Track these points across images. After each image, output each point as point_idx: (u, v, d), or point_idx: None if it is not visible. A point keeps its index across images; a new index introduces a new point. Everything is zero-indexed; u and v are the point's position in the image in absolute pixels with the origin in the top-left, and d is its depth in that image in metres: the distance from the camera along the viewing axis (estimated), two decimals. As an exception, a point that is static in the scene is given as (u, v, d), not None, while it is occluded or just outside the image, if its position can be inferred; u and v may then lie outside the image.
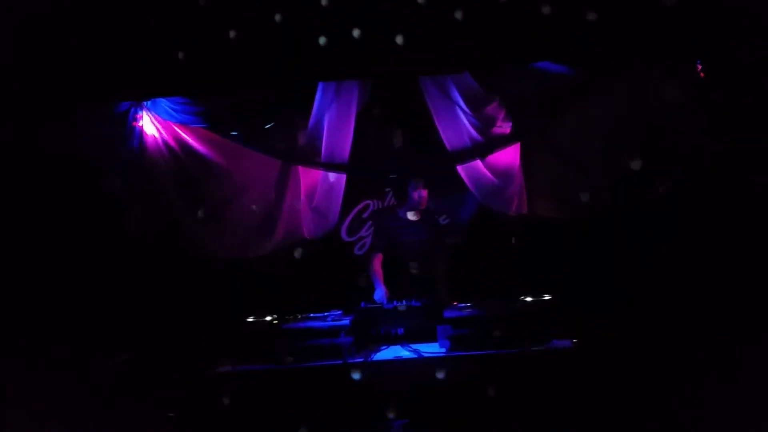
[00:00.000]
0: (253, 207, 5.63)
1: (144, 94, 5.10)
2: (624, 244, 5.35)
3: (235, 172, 5.64)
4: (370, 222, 6.23)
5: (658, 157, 5.21)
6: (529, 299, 4.76)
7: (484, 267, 5.67)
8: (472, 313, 4.59)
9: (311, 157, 5.42)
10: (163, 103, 5.26)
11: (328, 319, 4.64)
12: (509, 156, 5.66)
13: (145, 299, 5.09)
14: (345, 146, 5.36)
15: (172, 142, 5.55)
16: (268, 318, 4.71)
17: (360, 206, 6.37)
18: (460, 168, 5.50)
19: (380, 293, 5.07)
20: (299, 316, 4.81)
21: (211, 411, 4.17)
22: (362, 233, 6.38)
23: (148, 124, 5.49)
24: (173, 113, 5.29)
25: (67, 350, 4.31)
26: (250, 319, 4.73)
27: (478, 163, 5.46)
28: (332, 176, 5.46)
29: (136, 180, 5.45)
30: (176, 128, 5.52)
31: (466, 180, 5.55)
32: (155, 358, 4.54)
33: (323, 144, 5.31)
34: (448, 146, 5.40)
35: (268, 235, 5.74)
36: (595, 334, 4.51)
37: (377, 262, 5.33)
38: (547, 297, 4.76)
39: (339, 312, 4.77)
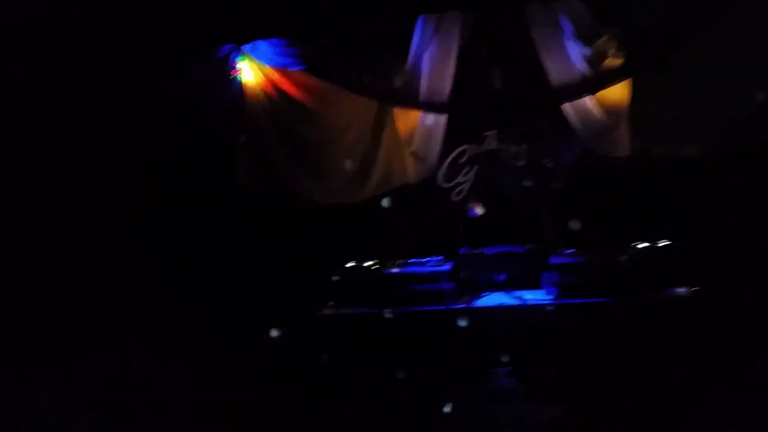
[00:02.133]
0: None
1: (245, 37, 5.06)
2: (745, 188, 4.90)
3: (331, 117, 5.55)
4: (469, 167, 6.04)
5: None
6: (642, 245, 4.47)
7: (591, 212, 5.38)
8: (579, 260, 4.38)
9: (410, 99, 5.24)
10: (263, 46, 5.20)
11: (428, 264, 4.55)
12: (620, 93, 5.27)
13: (250, 244, 5.16)
14: (445, 86, 5.11)
15: (269, 88, 5.52)
16: (368, 263, 4.68)
17: (458, 151, 6.18)
18: (566, 106, 5.16)
19: (482, 237, 4.90)
20: (399, 262, 4.76)
21: (313, 352, 4.21)
22: (460, 179, 6.19)
23: (247, 71, 5.48)
24: (272, 56, 5.23)
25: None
26: (350, 264, 4.72)
27: (587, 100, 5.09)
28: (431, 118, 5.28)
29: (238, 126, 5.48)
30: (274, 74, 5.48)
31: (572, 119, 5.19)
32: (257, 302, 4.62)
33: (422, 84, 5.11)
34: (554, 82, 5.03)
35: (365, 181, 5.66)
36: (716, 283, 4.19)
37: (477, 208, 5.16)
38: (662, 243, 4.45)
39: (440, 258, 4.67)
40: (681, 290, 4.16)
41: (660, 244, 4.44)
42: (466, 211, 5.05)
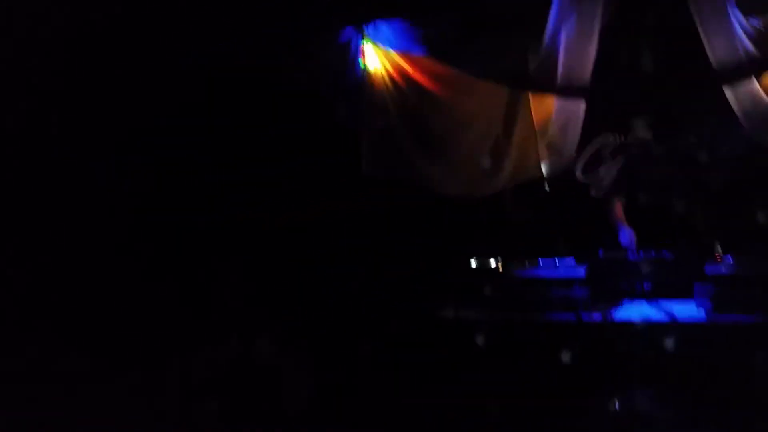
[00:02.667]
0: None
1: (365, 18, 4.82)
2: None
3: (459, 105, 5.19)
4: (612, 158, 5.45)
5: None
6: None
7: (755, 214, 4.64)
8: (740, 269, 3.74)
9: (546, 83, 4.75)
10: (384, 28, 4.95)
11: (560, 267, 4.11)
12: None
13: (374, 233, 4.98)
14: (586, 67, 4.50)
15: (395, 75, 5.25)
16: (492, 261, 4.32)
17: (600, 141, 5.63)
18: (728, 90, 4.43)
19: (626, 236, 4.38)
20: (526, 262, 4.35)
21: (427, 355, 3.93)
22: (601, 173, 5.64)
23: (371, 56, 5.28)
24: (395, 39, 4.95)
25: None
26: (473, 261, 4.38)
27: (753, 83, 4.34)
28: (570, 104, 4.77)
29: (363, 114, 5.30)
30: (400, 60, 5.22)
31: (734, 105, 4.45)
32: (375, 295, 4.40)
33: (560, 66, 4.57)
34: (714, 62, 4.31)
35: (496, 173, 5.27)
36: None
37: (619, 207, 4.62)
38: None
39: (571, 259, 4.20)
40: None
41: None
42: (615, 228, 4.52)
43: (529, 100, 5.07)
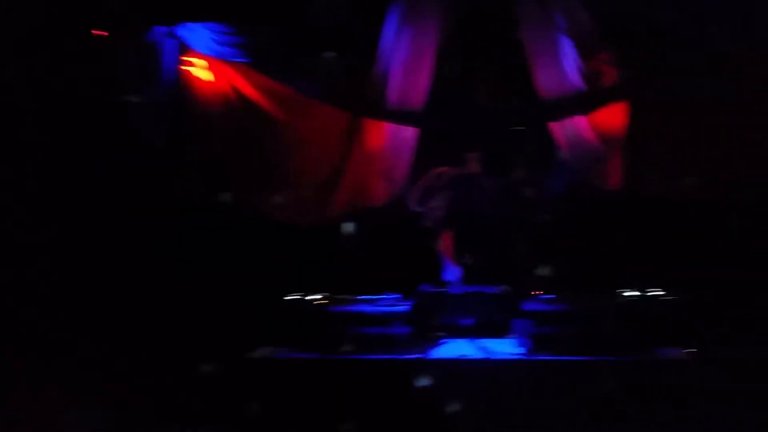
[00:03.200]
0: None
1: (175, 18, 4.38)
2: (756, 232, 4.29)
3: (292, 124, 4.89)
4: (444, 190, 5.41)
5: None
6: (630, 294, 3.83)
7: (575, 252, 4.74)
8: (558, 307, 3.74)
9: (375, 107, 4.57)
10: (199, 30, 4.52)
11: (382, 303, 3.90)
12: (616, 119, 4.65)
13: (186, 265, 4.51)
14: (419, 93, 4.37)
15: (221, 85, 4.88)
16: (316, 297, 4.03)
17: (434, 173, 5.58)
18: (556, 126, 4.51)
19: (452, 273, 4.29)
20: (350, 298, 4.11)
21: (243, 402, 3.55)
22: (433, 203, 5.57)
23: (197, 66, 4.84)
24: (212, 44, 4.53)
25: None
26: (295, 297, 4.06)
27: (582, 120, 4.43)
28: (402, 131, 4.62)
29: (179, 127, 4.83)
30: (227, 70, 4.82)
31: (561, 142, 4.52)
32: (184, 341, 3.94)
33: (390, 90, 4.40)
34: (545, 95, 4.34)
35: (328, 200, 5.01)
36: (716, 343, 3.57)
37: (447, 239, 4.53)
38: (654, 292, 3.81)
39: (397, 296, 4.01)
40: (674, 351, 3.52)
41: (651, 294, 3.78)
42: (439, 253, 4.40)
43: (366, 125, 4.88)
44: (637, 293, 3.79)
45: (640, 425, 3.26)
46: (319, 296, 4.04)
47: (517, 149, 4.70)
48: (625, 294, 3.80)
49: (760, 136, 4.18)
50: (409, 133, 4.58)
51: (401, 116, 4.41)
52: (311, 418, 3.46)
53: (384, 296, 4.00)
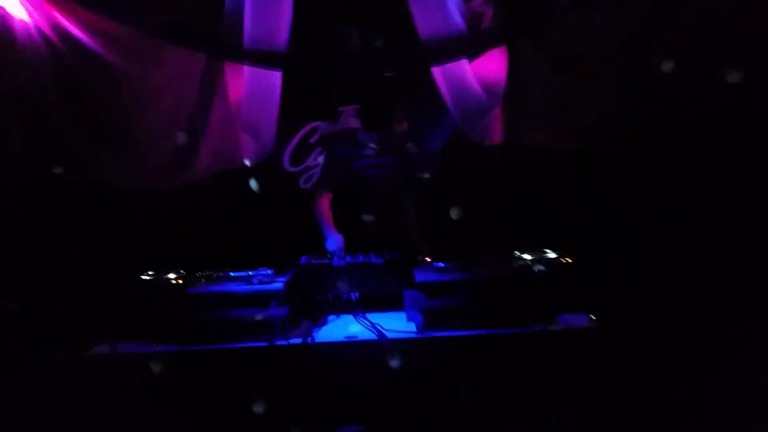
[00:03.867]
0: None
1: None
2: (647, 186, 4.14)
3: (141, 73, 4.13)
4: (319, 149, 4.88)
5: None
6: (526, 257, 3.52)
7: (465, 214, 4.38)
8: (452, 276, 3.35)
9: (226, 46, 3.88)
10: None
11: (254, 280, 3.32)
12: (497, 68, 4.30)
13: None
14: (278, 30, 3.76)
15: (48, 31, 3.99)
16: (171, 276, 3.38)
17: (307, 128, 5.04)
18: (438, 73, 4.06)
19: (334, 242, 3.80)
20: (215, 275, 3.50)
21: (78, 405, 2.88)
22: (309, 162, 5.04)
23: (13, 3, 3.93)
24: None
25: None
26: (146, 277, 3.38)
27: (465, 67, 4.03)
28: (262, 77, 3.98)
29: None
30: (54, 12, 3.97)
31: (444, 91, 4.11)
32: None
33: (246, 25, 3.76)
34: (423, 34, 3.87)
35: (188, 161, 4.34)
36: (617, 308, 3.34)
37: (325, 203, 4.02)
38: (551, 255, 3.52)
39: (269, 271, 3.44)
40: (577, 318, 3.25)
41: (547, 256, 3.49)
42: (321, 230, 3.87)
43: (228, 73, 4.22)
44: (535, 256, 3.46)
45: (546, 403, 2.96)
46: (175, 275, 3.39)
47: (397, 101, 4.23)
48: (523, 257, 3.46)
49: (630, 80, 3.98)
50: (272, 79, 3.97)
51: (261, 57, 3.77)
52: (168, 425, 2.87)
53: (256, 272, 3.42)
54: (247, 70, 3.92)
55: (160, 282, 3.31)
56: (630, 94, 4.12)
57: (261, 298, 3.17)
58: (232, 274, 3.47)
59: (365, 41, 4.33)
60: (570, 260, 3.44)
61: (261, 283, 3.26)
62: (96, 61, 4.01)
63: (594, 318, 3.22)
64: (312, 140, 5.08)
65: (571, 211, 4.26)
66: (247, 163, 4.40)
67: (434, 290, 3.23)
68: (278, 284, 3.26)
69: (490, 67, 4.26)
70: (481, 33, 3.90)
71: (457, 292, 3.24)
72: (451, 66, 3.94)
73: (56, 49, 3.97)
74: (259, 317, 3.04)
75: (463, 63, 3.95)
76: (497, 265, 3.43)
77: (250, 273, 3.42)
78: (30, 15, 3.94)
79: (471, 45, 3.88)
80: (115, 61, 4.03)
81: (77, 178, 4.13)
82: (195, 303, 3.14)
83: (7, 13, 3.90)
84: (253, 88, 3.96)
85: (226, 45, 3.83)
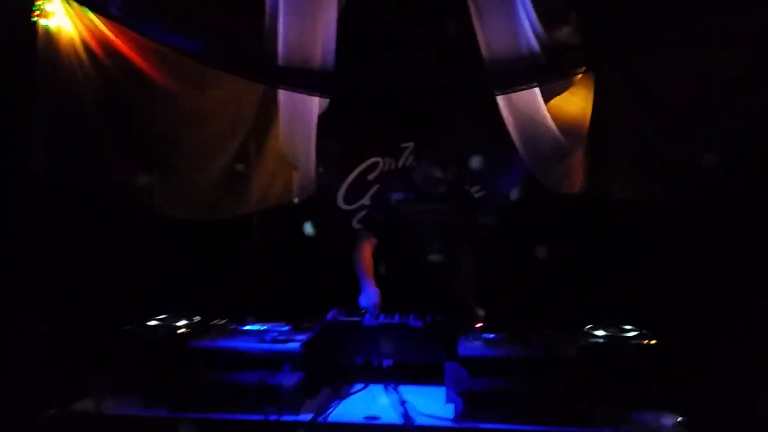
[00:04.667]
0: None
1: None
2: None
3: (189, 96, 3.83)
4: (377, 186, 4.43)
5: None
6: (599, 333, 2.86)
7: (530, 273, 3.75)
8: (504, 351, 2.74)
9: (261, 66, 3.46)
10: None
11: (267, 337, 2.84)
12: (579, 107, 3.69)
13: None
14: (315, 43, 3.21)
15: (94, 45, 3.76)
16: (181, 323, 2.95)
17: (367, 163, 4.64)
18: (505, 107, 3.47)
19: (368, 296, 3.28)
20: (229, 326, 3.05)
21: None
22: (365, 201, 4.62)
23: (60, 16, 3.72)
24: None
25: None
26: (153, 322, 2.97)
27: (538, 101, 3.43)
28: (296, 99, 3.55)
29: (40, 90, 3.72)
30: (101, 26, 3.73)
31: (513, 128, 3.52)
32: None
33: (280, 42, 3.22)
34: (489, 57, 3.28)
35: (238, 192, 4.02)
36: (715, 408, 2.63)
37: (367, 250, 3.52)
38: (631, 332, 2.85)
39: (285, 327, 2.95)
40: (662, 419, 2.56)
41: (625, 335, 2.82)
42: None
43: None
44: (610, 333, 2.80)
45: None
46: (185, 322, 2.96)
47: (461, 138, 3.71)
48: (595, 334, 2.80)
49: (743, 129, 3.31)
50: (304, 101, 3.53)
51: (296, 79, 3.32)
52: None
53: (270, 327, 2.94)
54: (281, 92, 3.53)
55: (165, 330, 2.88)
56: (740, 143, 3.41)
57: (272, 358, 2.67)
58: (245, 327, 2.99)
59: (420, 62, 3.84)
60: (655, 342, 2.77)
61: (275, 341, 2.75)
62: (144, 80, 3.75)
63: (684, 421, 2.52)
64: (371, 177, 4.66)
65: (664, 278, 3.55)
66: (294, 197, 4.03)
67: (479, 367, 2.63)
68: (295, 344, 2.76)
69: (572, 104, 3.67)
70: (557, 57, 3.29)
71: (506, 373, 2.63)
72: (521, 99, 3.36)
73: (100, 63, 3.73)
74: (265, 383, 2.54)
75: (536, 96, 3.37)
76: (561, 341, 2.79)
77: (265, 328, 2.93)
78: (77, 29, 3.73)
79: (544, 71, 3.28)
80: (165, 80, 3.75)
81: (118, 202, 3.85)
82: (195, 360, 2.67)
83: (54, 27, 3.71)
84: (285, 110, 3.55)
85: (256, 63, 3.43)
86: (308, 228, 4.29)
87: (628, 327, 2.88)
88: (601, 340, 2.77)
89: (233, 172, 3.95)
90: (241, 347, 2.73)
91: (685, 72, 3.43)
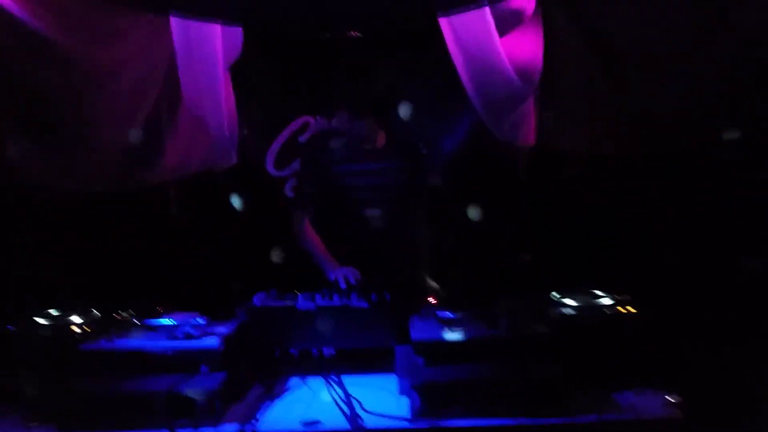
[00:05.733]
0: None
1: None
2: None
3: (87, 52, 3.22)
4: (307, 149, 3.94)
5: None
6: (570, 302, 2.49)
7: (484, 239, 3.35)
8: (464, 332, 2.33)
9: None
10: None
11: (178, 332, 2.34)
12: (533, 44, 3.28)
13: None
14: None
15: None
16: (76, 319, 2.42)
17: (297, 124, 4.16)
18: (455, 46, 2.99)
19: (335, 271, 2.83)
20: (133, 320, 2.54)
21: None
22: (297, 166, 4.15)
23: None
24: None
25: None
26: (42, 319, 2.43)
27: (493, 36, 2.96)
28: (191, 41, 3.00)
29: None
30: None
31: (464, 72, 3.06)
32: None
33: None
34: None
35: (150, 160, 3.49)
36: (707, 384, 2.29)
37: (308, 225, 3.06)
38: (604, 299, 2.49)
39: (201, 320, 2.46)
40: (648, 399, 2.21)
41: (598, 302, 2.47)
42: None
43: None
44: (581, 303, 2.44)
45: None
46: (81, 319, 2.43)
47: (398, 85, 3.26)
48: (565, 303, 2.43)
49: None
50: (205, 45, 3.00)
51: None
52: None
53: (182, 320, 2.44)
54: (174, 28, 2.98)
55: (55, 328, 2.35)
56: (692, 95, 3.07)
57: (185, 358, 2.18)
58: (152, 321, 2.48)
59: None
60: (633, 309, 2.42)
61: (188, 337, 2.26)
62: (33, 37, 3.11)
63: (673, 400, 2.18)
64: (302, 138, 4.18)
65: (631, 237, 3.21)
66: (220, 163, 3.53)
67: (436, 354, 2.22)
68: (213, 338, 2.27)
69: (523, 45, 3.25)
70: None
71: (469, 358, 2.22)
72: (472, 35, 2.90)
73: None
74: (175, 392, 2.05)
75: (490, 33, 2.91)
76: (528, 316, 2.40)
77: (179, 320, 2.43)
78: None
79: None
80: (58, 36, 3.14)
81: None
82: (87, 365, 2.16)
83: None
84: (182, 52, 2.99)
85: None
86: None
87: (598, 293, 2.52)
88: (574, 312, 2.39)
89: (144, 138, 3.41)
90: (145, 347, 2.22)
91: (636, 13, 3.06)
